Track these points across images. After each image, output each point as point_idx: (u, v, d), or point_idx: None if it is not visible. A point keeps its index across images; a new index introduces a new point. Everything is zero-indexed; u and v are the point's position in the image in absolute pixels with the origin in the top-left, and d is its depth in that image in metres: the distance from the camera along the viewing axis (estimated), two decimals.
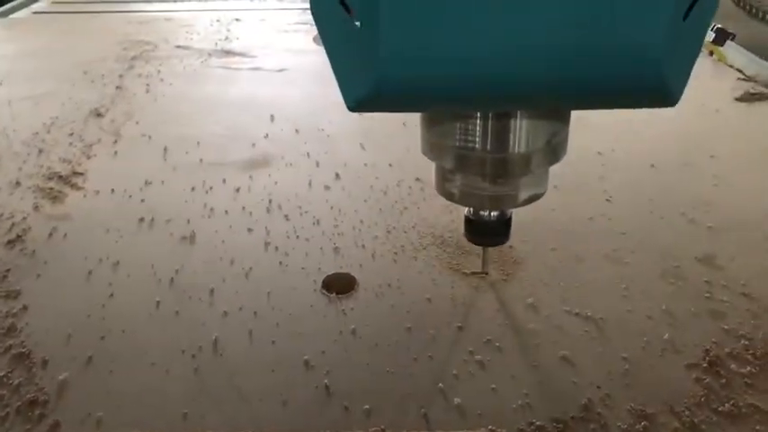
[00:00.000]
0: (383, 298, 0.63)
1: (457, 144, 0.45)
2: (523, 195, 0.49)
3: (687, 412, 0.51)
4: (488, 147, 0.44)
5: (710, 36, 1.34)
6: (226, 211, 0.78)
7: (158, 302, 0.63)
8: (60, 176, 0.85)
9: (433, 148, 0.47)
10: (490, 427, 0.50)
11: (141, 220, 0.76)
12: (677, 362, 0.56)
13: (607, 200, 0.80)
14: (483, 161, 0.45)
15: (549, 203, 0.79)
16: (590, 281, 0.65)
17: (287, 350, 0.57)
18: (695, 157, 0.91)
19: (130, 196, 0.81)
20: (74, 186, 0.83)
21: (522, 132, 0.44)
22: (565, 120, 0.46)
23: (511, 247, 0.70)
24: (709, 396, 0.52)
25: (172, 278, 0.66)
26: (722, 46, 1.31)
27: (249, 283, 0.66)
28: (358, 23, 0.32)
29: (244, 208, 0.78)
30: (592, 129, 0.98)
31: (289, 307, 0.62)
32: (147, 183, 0.84)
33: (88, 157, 0.90)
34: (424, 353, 0.57)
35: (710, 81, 1.20)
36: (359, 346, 0.58)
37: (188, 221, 0.76)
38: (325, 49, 0.36)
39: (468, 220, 0.54)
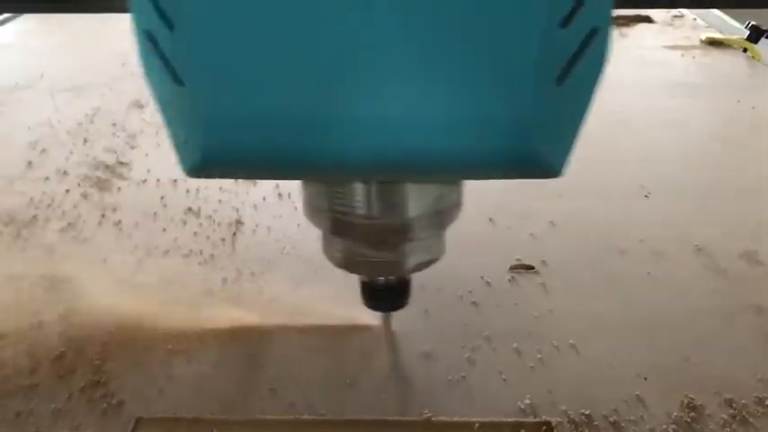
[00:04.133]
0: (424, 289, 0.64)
1: (333, 208, 0.40)
2: (412, 262, 0.44)
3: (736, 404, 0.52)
4: (366, 212, 0.39)
5: (745, 33, 1.33)
6: (271, 200, 0.79)
7: (209, 290, 0.64)
8: (107, 166, 0.87)
9: (311, 211, 0.43)
10: (545, 417, 0.51)
11: (188, 209, 0.77)
12: (724, 354, 0.57)
13: (645, 196, 0.81)
14: (360, 227, 0.40)
15: (590, 199, 0.79)
16: (631, 275, 0.66)
17: (342, 336, 0.59)
18: (734, 154, 0.91)
19: (176, 186, 0.82)
20: (120, 176, 0.85)
21: (404, 198, 0.39)
22: (454, 183, 0.42)
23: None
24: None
25: (222, 266, 0.68)
26: (756, 43, 1.31)
27: (298, 270, 0.67)
28: (182, 87, 0.29)
29: (289, 196, 0.80)
30: (629, 126, 0.99)
31: (332, 296, 0.63)
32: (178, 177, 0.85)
33: (132, 148, 0.92)
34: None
35: (745, 79, 1.20)
36: (408, 334, 0.59)
37: (235, 210, 0.77)
38: (161, 114, 0.32)
39: (362, 285, 0.49)
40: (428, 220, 0.41)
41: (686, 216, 0.76)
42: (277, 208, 0.78)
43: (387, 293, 0.49)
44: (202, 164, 0.30)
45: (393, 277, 0.48)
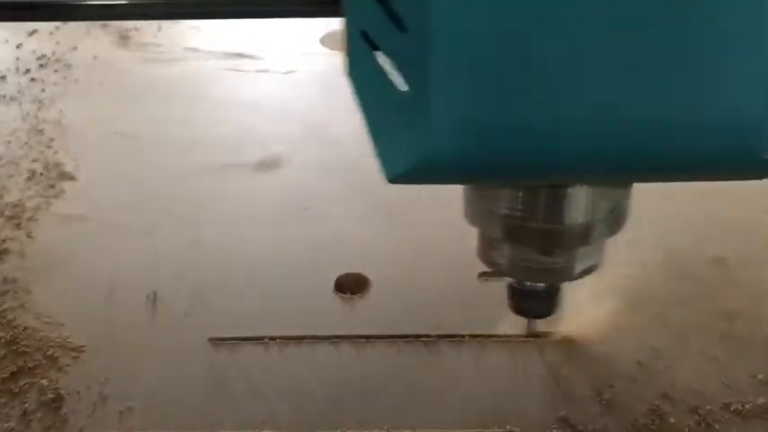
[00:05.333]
0: (396, 298, 0.64)
1: (506, 213, 0.40)
2: (581, 267, 0.43)
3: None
4: (549, 217, 0.39)
5: None
6: (236, 213, 0.78)
7: (169, 303, 0.63)
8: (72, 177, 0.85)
9: (478, 216, 0.42)
10: (508, 427, 0.50)
11: (153, 221, 0.76)
12: (692, 360, 0.56)
13: None
14: (540, 232, 0.40)
15: None
16: (598, 281, 0.66)
17: (300, 348, 0.58)
18: None
19: (142, 198, 0.81)
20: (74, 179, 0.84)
21: (587, 202, 0.39)
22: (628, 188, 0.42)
23: None
24: None
25: (183, 276, 0.67)
26: None
27: (261, 285, 0.66)
28: (405, 89, 0.29)
29: (255, 209, 0.79)
30: None
31: (301, 306, 0.63)
32: (158, 184, 0.84)
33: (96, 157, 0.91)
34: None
35: None
36: (371, 346, 0.58)
37: (198, 223, 0.76)
38: (363, 115, 0.32)
39: (512, 290, 0.49)
40: (604, 225, 0.41)
41: (656, 221, 0.76)
42: (240, 221, 0.77)
43: (539, 299, 0.48)
44: (414, 170, 0.29)
45: (543, 284, 0.47)
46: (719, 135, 0.29)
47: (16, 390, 0.53)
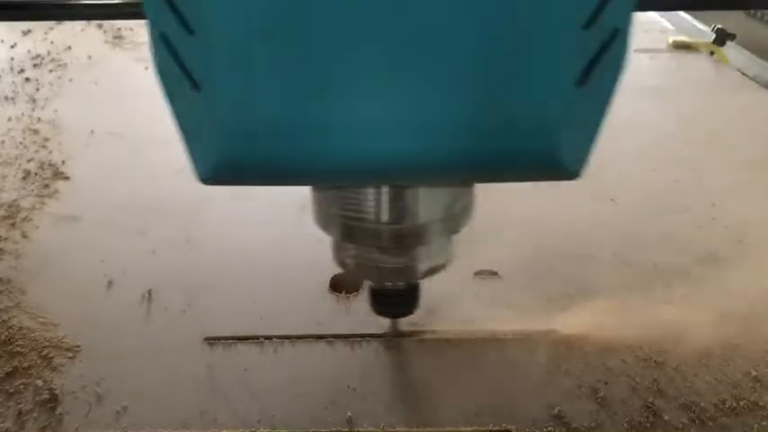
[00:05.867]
0: None
1: (346, 214, 0.40)
2: (424, 267, 0.44)
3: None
4: (381, 217, 0.39)
5: (711, 37, 1.34)
6: (231, 212, 0.78)
7: (164, 302, 0.63)
8: (66, 176, 0.85)
9: (321, 217, 0.42)
10: (504, 424, 0.50)
11: (147, 220, 0.76)
12: (685, 357, 0.56)
13: (612, 199, 0.81)
14: (374, 232, 0.40)
15: (552, 203, 0.79)
16: (593, 280, 0.66)
17: (295, 347, 0.58)
18: (699, 156, 0.91)
19: (137, 197, 0.81)
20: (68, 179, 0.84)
21: (417, 202, 0.39)
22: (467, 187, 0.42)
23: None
24: None
25: (179, 275, 0.67)
26: (722, 46, 1.32)
27: (257, 284, 0.66)
28: (199, 93, 0.28)
29: (250, 208, 0.79)
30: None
31: (297, 305, 0.63)
32: (153, 183, 0.84)
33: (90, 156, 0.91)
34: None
35: (712, 81, 1.20)
36: (365, 344, 0.58)
37: (193, 222, 0.76)
38: (173, 117, 0.31)
39: (371, 291, 0.49)
40: (441, 225, 0.41)
41: (650, 219, 0.76)
42: (234, 220, 0.77)
43: (396, 300, 0.49)
44: (218, 171, 0.30)
45: (402, 284, 0.48)
46: (517, 137, 0.28)
47: (11, 390, 0.53)
